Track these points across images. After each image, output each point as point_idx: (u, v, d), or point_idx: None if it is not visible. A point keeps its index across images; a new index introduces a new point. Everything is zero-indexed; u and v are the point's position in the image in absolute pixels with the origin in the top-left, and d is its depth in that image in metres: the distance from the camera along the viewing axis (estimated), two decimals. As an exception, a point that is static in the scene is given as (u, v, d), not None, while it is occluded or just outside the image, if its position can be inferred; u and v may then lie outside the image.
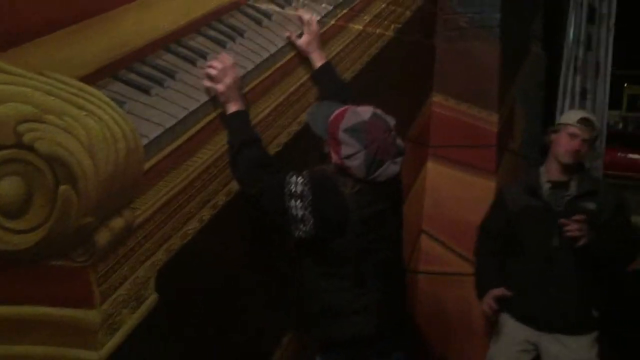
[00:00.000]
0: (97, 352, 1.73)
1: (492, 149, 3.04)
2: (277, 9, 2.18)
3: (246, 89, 2.08)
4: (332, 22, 2.43)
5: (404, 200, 2.18)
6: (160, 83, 1.80)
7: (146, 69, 1.76)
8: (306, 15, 2.25)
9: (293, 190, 1.80)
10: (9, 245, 1.50)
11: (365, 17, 2.64)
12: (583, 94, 4.54)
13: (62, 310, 1.63)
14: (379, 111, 1.88)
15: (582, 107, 4.37)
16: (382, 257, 1.93)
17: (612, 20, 5.37)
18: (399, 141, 1.88)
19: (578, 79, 4.22)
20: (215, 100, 1.94)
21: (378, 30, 2.72)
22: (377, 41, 2.72)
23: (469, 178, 3.17)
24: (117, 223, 1.74)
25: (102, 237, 1.71)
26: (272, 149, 2.21)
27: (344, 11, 2.51)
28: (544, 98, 3.63)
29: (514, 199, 2.58)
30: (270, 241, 2.14)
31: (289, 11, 2.23)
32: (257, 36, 2.10)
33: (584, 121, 2.48)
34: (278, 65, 2.19)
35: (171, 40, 1.81)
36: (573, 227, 2.30)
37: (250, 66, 2.08)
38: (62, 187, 1.59)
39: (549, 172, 2.54)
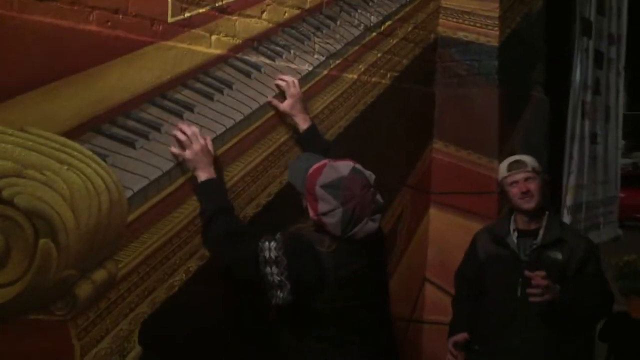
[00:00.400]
0: (77, 410, 1.72)
1: (493, 195, 3.00)
2: (267, 61, 2.22)
3: (235, 140, 2.11)
4: (325, 72, 2.47)
5: (387, 255, 2.15)
6: (145, 136, 1.82)
7: (130, 123, 1.79)
8: (287, 78, 2.25)
9: (267, 256, 1.78)
10: (-15, 299, 1.51)
11: (360, 67, 2.67)
12: (593, 138, 4.50)
13: (40, 365, 1.63)
14: (358, 166, 1.86)
15: (593, 152, 4.33)
16: (362, 316, 1.88)
17: (622, 64, 5.37)
18: (378, 197, 1.85)
19: (587, 123, 4.18)
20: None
21: (374, 79, 2.75)
22: (373, 89, 2.75)
23: (471, 225, 3.12)
24: (100, 275, 1.74)
25: (84, 290, 1.70)
26: (263, 199, 2.22)
27: (337, 61, 2.54)
28: (550, 143, 3.60)
29: (484, 245, 2.55)
30: (256, 296, 2.12)
31: (279, 63, 2.27)
32: (246, 88, 2.13)
33: (512, 166, 2.46)
34: (268, 115, 2.22)
35: (156, 94, 1.85)
36: (536, 283, 2.18)
37: (238, 117, 2.11)
38: (42, 241, 1.60)
39: (517, 221, 2.49)
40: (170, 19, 1.88)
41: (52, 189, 1.61)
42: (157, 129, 1.86)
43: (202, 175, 1.90)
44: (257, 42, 2.17)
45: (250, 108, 2.14)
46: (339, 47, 2.54)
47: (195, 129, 1.90)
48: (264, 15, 2.20)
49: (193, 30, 1.94)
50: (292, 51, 2.32)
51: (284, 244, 1.81)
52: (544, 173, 2.54)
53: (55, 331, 1.65)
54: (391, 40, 2.85)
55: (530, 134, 3.39)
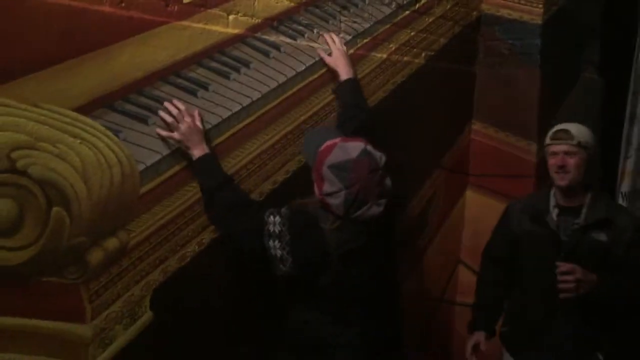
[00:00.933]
0: (88, 365, 1.85)
1: (530, 179, 2.92)
2: (288, 40, 2.25)
3: (252, 118, 2.16)
4: (351, 51, 2.47)
5: (396, 234, 2.14)
6: (157, 113, 1.91)
7: (143, 100, 1.87)
8: (333, 37, 2.32)
9: (271, 230, 1.84)
10: (1, 261, 1.65)
11: (390, 46, 2.65)
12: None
13: (52, 323, 1.75)
14: (369, 148, 1.87)
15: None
16: (366, 293, 1.92)
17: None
18: (386, 181, 1.86)
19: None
20: (213, 130, 2.03)
21: (406, 58, 2.71)
22: (404, 68, 2.72)
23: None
24: (111, 243, 1.85)
25: (95, 257, 1.82)
26: (281, 176, 2.27)
27: (366, 40, 2.53)
28: (605, 126, 3.43)
29: (519, 221, 2.37)
30: (265, 269, 2.19)
31: (301, 42, 2.29)
32: (264, 67, 2.17)
33: (556, 134, 2.27)
34: (287, 94, 2.26)
35: (169, 73, 1.92)
36: (567, 279, 2.09)
37: (256, 96, 2.15)
38: (55, 209, 1.72)
39: (557, 196, 2.31)
40: (185, 0, 1.95)
41: (65, 161, 1.72)
42: (170, 105, 1.94)
43: (197, 153, 1.91)
44: (277, 22, 2.20)
45: (269, 87, 2.19)
46: (367, 25, 2.52)
47: (180, 106, 1.90)
48: (286, -6, 2.23)
49: (209, 10, 1.99)
50: (315, 30, 2.33)
51: (288, 219, 1.87)
52: (593, 148, 2.28)
53: (67, 293, 1.77)
54: (427, 19, 2.80)
55: (578, 116, 3.25)
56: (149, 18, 1.85)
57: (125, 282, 1.90)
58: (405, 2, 2.68)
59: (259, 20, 2.14)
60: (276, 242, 1.85)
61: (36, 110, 1.65)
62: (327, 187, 1.86)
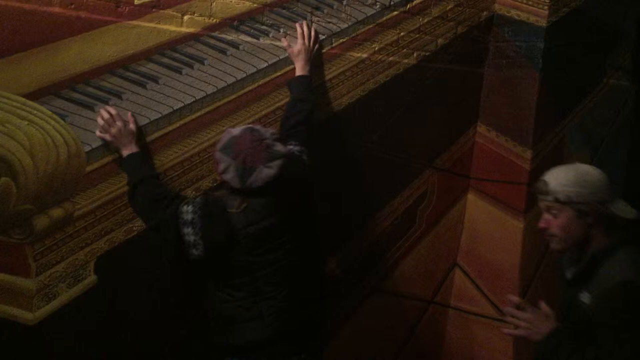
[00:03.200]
0: (32, 313, 2.15)
1: (522, 187, 2.82)
2: (249, 39, 2.39)
3: (206, 110, 2.33)
4: (324, 50, 2.55)
5: (311, 202, 2.23)
6: (105, 101, 2.14)
7: (90, 90, 2.12)
8: (305, 29, 2.42)
9: (185, 218, 2.01)
10: (-47, 218, 1.99)
11: (373, 45, 2.68)
12: None
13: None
14: (255, 127, 2.04)
15: None
16: (280, 266, 2.06)
17: None
18: (277, 147, 1.99)
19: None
20: (162, 120, 2.24)
21: (391, 58, 2.73)
22: (389, 68, 2.74)
23: (504, 216, 2.98)
24: (57, 212, 2.13)
25: (41, 222, 2.11)
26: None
27: (342, 40, 2.60)
28: (635, 134, 3.18)
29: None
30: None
31: (264, 41, 2.42)
32: (220, 64, 2.33)
33: (538, 185, 1.96)
34: (247, 90, 2.40)
35: (118, 66, 2.15)
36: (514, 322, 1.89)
37: (210, 90, 2.33)
38: (3, 179, 2.03)
39: None
40: (137, 1, 2.15)
41: (13, 139, 2.01)
42: (118, 95, 2.16)
43: (125, 152, 2.13)
44: (238, 22, 2.35)
45: (225, 82, 2.35)
46: (344, 25, 2.59)
47: (112, 112, 2.10)
48: (248, -4, 2.37)
49: (162, 11, 2.19)
50: (281, 30, 2.45)
51: (200, 207, 2.04)
52: (585, 200, 1.85)
53: (13, 251, 2.08)
54: (421, 19, 2.79)
55: (595, 124, 3.05)
56: (98, 18, 2.09)
57: (69, 247, 2.18)
58: (392, 3, 2.70)
59: (217, 20, 2.31)
60: (189, 228, 2.03)
61: (-12, 96, 1.98)
62: (220, 167, 2.03)
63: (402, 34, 2.77)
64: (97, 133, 2.13)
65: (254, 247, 2.05)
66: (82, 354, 2.24)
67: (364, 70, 2.70)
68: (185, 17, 2.25)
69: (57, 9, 2.02)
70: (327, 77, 2.59)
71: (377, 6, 2.67)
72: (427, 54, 2.86)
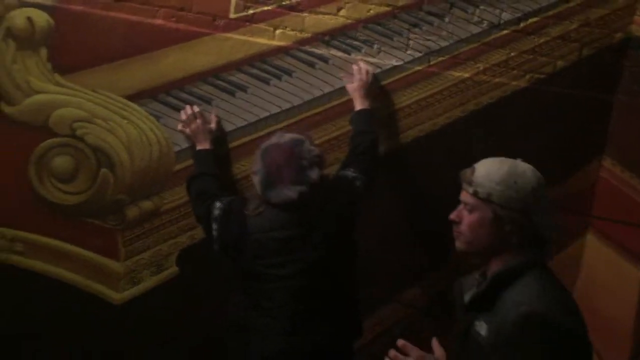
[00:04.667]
0: (119, 293, 2.38)
1: (644, 231, 2.45)
2: (340, 54, 2.42)
3: (292, 121, 2.41)
4: (418, 68, 2.48)
5: (350, 230, 2.11)
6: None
7: (183, 95, 2.32)
8: (362, 66, 2.40)
9: (214, 214, 2.07)
10: (58, 200, 2.29)
11: (478, 65, 2.55)
12: None
13: (93, 254, 2.34)
14: (305, 142, 2.00)
15: None
16: (286, 285, 2.00)
17: None
18: (310, 173, 1.96)
19: None
20: (249, 127, 2.36)
21: (497, 79, 2.57)
22: (494, 90, 2.57)
23: (621, 262, 2.60)
24: (146, 205, 2.36)
25: (132, 212, 2.35)
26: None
27: (441, 58, 2.51)
28: None
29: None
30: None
31: (355, 56, 2.43)
32: (308, 77, 2.40)
33: (465, 171, 1.64)
34: (334, 104, 2.43)
35: (210, 75, 2.32)
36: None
37: (297, 102, 2.40)
38: (103, 170, 2.29)
39: None
40: (232, 15, 2.31)
41: (114, 135, 2.28)
42: (208, 101, 2.34)
43: (198, 146, 2.27)
44: (329, 37, 2.40)
45: (312, 95, 2.41)
46: (444, 44, 2.50)
47: (195, 110, 2.26)
48: (342, 12, 2.40)
49: (255, 25, 2.33)
50: (375, 46, 2.45)
51: (226, 205, 2.09)
52: (514, 207, 1.53)
53: (106, 235, 2.34)
54: (536, 39, 2.59)
55: None
56: (195, 30, 2.29)
57: (155, 238, 2.39)
58: (502, 21, 2.55)
59: (308, 35, 2.38)
60: (214, 224, 2.08)
61: (94, 94, 2.26)
62: (254, 166, 2.04)
63: (512, 54, 2.60)
64: (179, 126, 2.30)
65: (260, 256, 2.02)
66: (158, 338, 2.42)
67: (464, 91, 2.57)
68: (277, 31, 2.37)
69: (160, 21, 2.26)
70: (422, 96, 2.54)
71: (485, 24, 2.56)
72: (542, 76, 2.65)
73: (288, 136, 2.04)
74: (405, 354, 1.51)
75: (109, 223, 2.34)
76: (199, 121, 2.28)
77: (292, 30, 2.38)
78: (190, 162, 2.34)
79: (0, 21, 2.14)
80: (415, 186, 2.61)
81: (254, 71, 2.37)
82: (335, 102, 2.44)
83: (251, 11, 2.33)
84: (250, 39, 2.34)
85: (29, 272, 2.33)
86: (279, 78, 2.40)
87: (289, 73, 2.40)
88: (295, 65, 2.41)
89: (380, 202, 2.43)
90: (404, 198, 2.58)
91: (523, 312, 1.41)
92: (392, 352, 1.51)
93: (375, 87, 2.44)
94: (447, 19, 2.52)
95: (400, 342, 1.53)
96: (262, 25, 2.35)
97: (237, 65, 2.35)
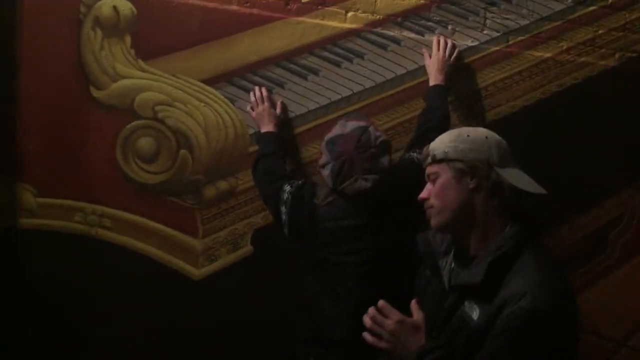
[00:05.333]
0: (198, 270, 2.50)
1: None
2: (413, 35, 2.38)
3: (364, 103, 2.41)
4: (496, 48, 2.39)
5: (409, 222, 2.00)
6: (269, 90, 2.38)
7: (257, 79, 2.38)
8: (440, 39, 2.34)
9: (283, 197, 2.10)
10: (142, 179, 2.43)
11: (561, 44, 2.42)
12: None
13: (173, 231, 2.47)
14: (370, 129, 1.98)
15: None
16: (357, 272, 2.00)
17: None
18: (381, 160, 1.94)
19: None
20: (320, 110, 2.39)
21: (583, 59, 2.43)
22: (579, 70, 2.43)
23: None
24: (222, 185, 2.45)
25: (209, 192, 2.45)
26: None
27: (520, 38, 2.40)
28: None
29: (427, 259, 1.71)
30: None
31: (429, 37, 2.38)
32: (380, 59, 2.38)
33: (422, 156, 1.60)
34: (407, 85, 2.40)
35: (282, 59, 2.37)
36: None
37: (369, 84, 2.39)
38: (182, 151, 2.41)
39: None
40: (304, -1, 2.35)
41: (192, 118, 2.39)
42: (281, 85, 2.39)
43: (262, 129, 2.31)
44: (401, 18, 2.37)
45: (384, 77, 2.39)
46: (524, 22, 2.40)
47: (264, 93, 2.32)
48: (415, -7, 2.37)
49: (327, 8, 2.35)
50: (449, 26, 2.39)
51: (295, 189, 2.12)
52: (473, 161, 1.47)
53: (185, 213, 2.46)
54: (627, 15, 2.42)
55: None
56: (268, 14, 2.34)
57: (231, 217, 2.48)
58: (588, -4, 2.41)
59: (380, 17, 2.37)
60: (283, 207, 2.12)
61: (174, 79, 2.37)
62: (321, 160, 2.04)
63: (600, 31, 2.45)
64: (247, 108, 2.37)
65: (331, 243, 2.04)
66: (233, 314, 2.52)
67: (546, 71, 2.45)
68: (349, 14, 2.37)
69: (234, 7, 2.34)
70: (499, 77, 2.45)
71: (569, 1, 2.43)
72: (633, 55, 2.48)
73: (350, 125, 2.02)
74: (385, 315, 1.49)
75: (188, 202, 2.46)
76: (266, 104, 2.33)
77: (364, 12, 2.38)
78: (264, 144, 2.42)
79: (89, 10, 2.31)
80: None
81: (326, 54, 2.40)
82: (407, 85, 2.42)
83: (323, -6, 2.37)
84: (322, 22, 2.37)
85: (116, 246, 2.50)
86: (350, 61, 2.40)
87: (360, 56, 2.41)
88: (367, 48, 2.40)
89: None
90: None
91: (527, 307, 1.34)
92: (372, 311, 1.50)
93: (455, 63, 2.37)
94: (527, -4, 2.43)
95: (381, 302, 1.51)
96: (333, 8, 2.37)
97: (309, 49, 2.39)
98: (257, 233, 2.49)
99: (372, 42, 2.41)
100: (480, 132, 1.56)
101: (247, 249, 2.51)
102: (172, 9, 2.32)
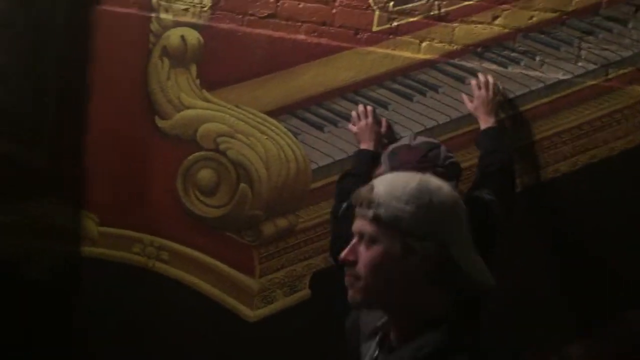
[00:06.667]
0: (252, 311, 2.36)
1: None
2: (494, 67, 2.15)
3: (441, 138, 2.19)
4: (592, 82, 2.10)
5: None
6: (334, 123, 2.25)
7: (322, 111, 2.25)
8: (481, 78, 2.13)
9: (338, 214, 1.93)
10: (201, 212, 2.35)
11: (676, 76, 2.09)
12: None
13: (229, 268, 2.35)
14: (437, 143, 1.83)
15: None
16: None
17: None
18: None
19: None
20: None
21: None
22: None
23: None
24: (282, 222, 2.31)
25: (268, 229, 2.32)
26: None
27: (623, 71, 2.10)
28: None
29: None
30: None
31: (513, 70, 2.15)
32: (456, 92, 2.17)
33: (356, 195, 1.18)
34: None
35: (349, 91, 2.22)
36: None
37: (443, 119, 2.18)
38: (242, 185, 2.31)
39: None
40: (375, 28, 2.19)
41: (253, 150, 2.29)
42: (346, 118, 2.23)
43: (361, 145, 2.14)
44: (482, 48, 2.15)
45: (460, 112, 2.18)
46: (627, 53, 2.09)
47: (367, 109, 2.17)
48: (498, 21, 2.14)
49: (399, 38, 2.18)
50: (537, 58, 2.14)
51: (347, 207, 1.88)
52: (416, 237, 1.09)
53: (243, 250, 2.35)
54: None
55: None
56: (337, 44, 2.21)
57: (290, 257, 2.33)
58: None
59: (458, 47, 2.17)
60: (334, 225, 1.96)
61: (237, 110, 2.30)
62: (378, 170, 1.85)
63: None
64: (350, 126, 2.21)
65: None
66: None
67: (654, 109, 2.14)
68: (424, 44, 2.20)
69: (301, 36, 2.24)
70: (596, 115, 2.15)
71: (683, 29, 2.11)
72: None
73: (421, 139, 1.85)
74: None
75: (246, 239, 2.34)
76: (368, 120, 2.17)
77: (440, 42, 2.19)
78: (327, 180, 2.27)
79: (157, 40, 2.30)
80: (575, 229, 2.23)
81: (396, 86, 2.23)
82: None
83: (395, 23, 2.20)
84: (393, 52, 2.21)
85: (172, 280, 2.43)
86: (423, 94, 2.21)
87: (434, 88, 2.21)
88: (442, 80, 2.20)
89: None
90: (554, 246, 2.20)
91: None
92: None
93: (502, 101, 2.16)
94: (630, 25, 2.13)
95: None
96: (406, 38, 2.20)
97: (378, 81, 2.23)
98: (316, 276, 2.33)
99: (448, 74, 2.21)
100: (446, 194, 1.16)
101: (304, 292, 2.35)
102: (238, 38, 2.25)
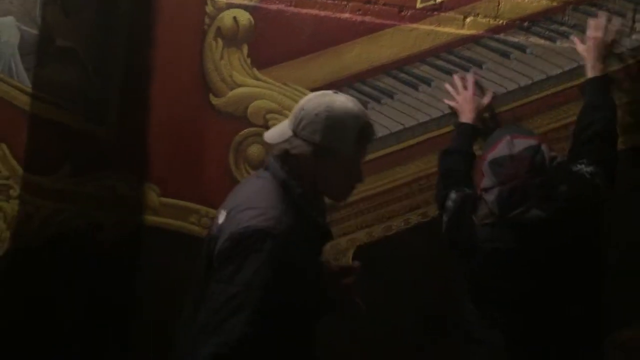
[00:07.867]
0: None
1: None
2: (542, 42, 2.09)
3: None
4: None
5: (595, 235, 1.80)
6: (377, 100, 2.28)
7: (366, 88, 2.28)
8: (600, 19, 2.00)
9: (447, 205, 1.94)
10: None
11: None
12: None
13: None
14: (536, 144, 1.76)
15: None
16: (512, 299, 1.79)
17: None
18: (560, 186, 1.71)
19: None
20: (431, 123, 2.20)
21: None
22: None
23: None
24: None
25: (311, 205, 2.37)
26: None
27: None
28: None
29: None
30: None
31: (562, 44, 2.08)
32: (501, 68, 2.14)
33: None
34: (531, 99, 2.12)
35: (393, 67, 2.23)
36: None
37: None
38: (289, 160, 2.37)
39: None
40: (419, 5, 2.19)
41: (300, 127, 2.35)
42: (390, 95, 2.26)
43: (461, 118, 2.12)
44: (528, 23, 2.09)
45: (505, 88, 2.14)
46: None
47: (468, 79, 2.14)
48: (548, -6, 2.08)
49: (443, 14, 2.17)
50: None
51: (459, 200, 1.93)
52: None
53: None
54: None
55: None
56: (381, 22, 2.23)
57: (333, 231, 2.36)
58: None
59: (504, 22, 2.13)
60: (445, 216, 1.95)
61: (285, 88, 2.38)
62: (484, 182, 1.83)
63: None
64: (446, 100, 2.21)
65: (489, 266, 1.81)
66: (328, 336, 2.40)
67: None
68: (468, 19, 2.18)
69: (346, 15, 2.28)
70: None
71: None
72: None
73: (519, 143, 1.78)
74: None
75: (292, 212, 2.43)
76: (467, 93, 2.14)
77: (485, 17, 2.17)
78: (370, 156, 2.30)
79: (212, 21, 2.43)
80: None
81: (440, 63, 2.22)
82: (533, 97, 2.14)
83: (439, -1, 2.21)
84: (437, 28, 2.21)
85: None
86: (466, 70, 2.20)
87: (478, 64, 2.19)
88: (486, 56, 2.18)
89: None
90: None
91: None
92: None
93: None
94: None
95: None
96: (450, 14, 2.20)
97: (422, 57, 2.23)
98: (359, 250, 2.38)
99: (493, 50, 2.18)
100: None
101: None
102: (286, 18, 2.34)
